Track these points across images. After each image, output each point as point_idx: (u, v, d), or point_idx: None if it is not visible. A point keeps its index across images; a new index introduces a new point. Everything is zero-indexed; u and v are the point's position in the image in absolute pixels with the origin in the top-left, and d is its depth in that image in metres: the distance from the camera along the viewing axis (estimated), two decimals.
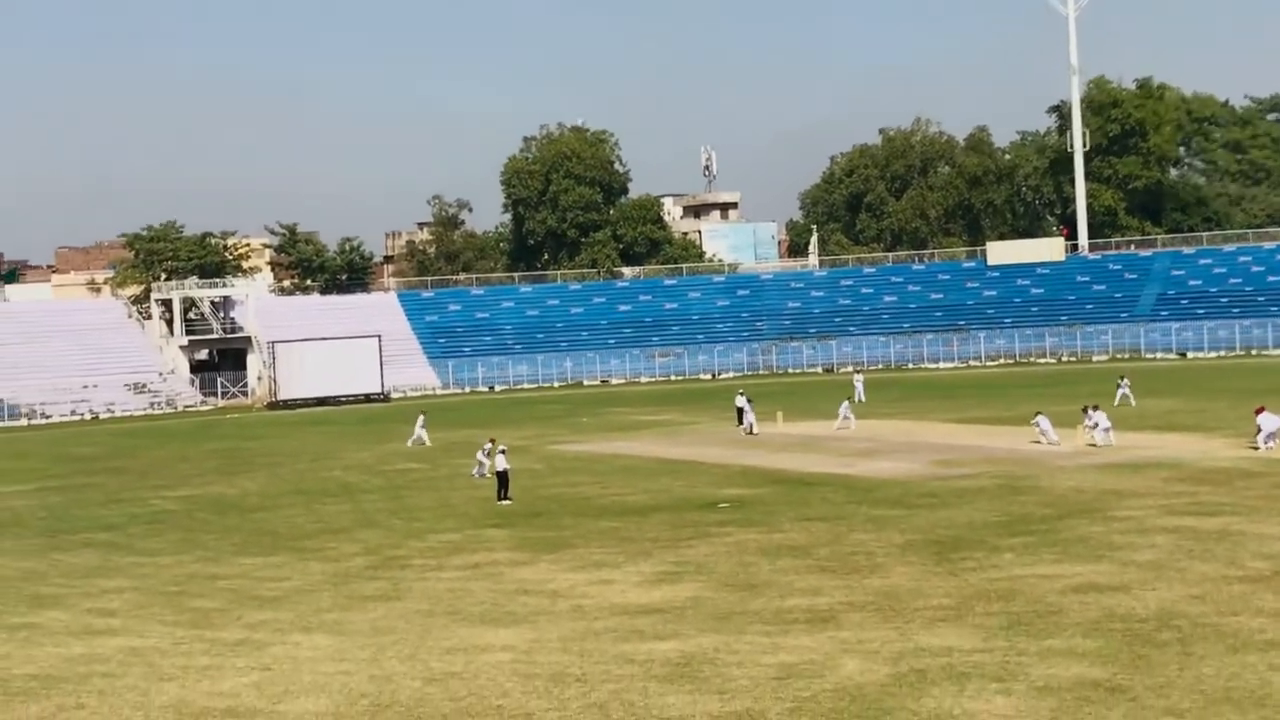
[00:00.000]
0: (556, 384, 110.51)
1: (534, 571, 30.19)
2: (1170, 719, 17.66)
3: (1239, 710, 17.81)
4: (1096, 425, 48.58)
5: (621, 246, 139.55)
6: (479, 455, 48.30)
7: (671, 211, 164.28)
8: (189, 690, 21.28)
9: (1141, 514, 32.97)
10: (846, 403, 60.76)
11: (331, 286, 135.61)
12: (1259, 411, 44.84)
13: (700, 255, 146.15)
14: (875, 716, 18.45)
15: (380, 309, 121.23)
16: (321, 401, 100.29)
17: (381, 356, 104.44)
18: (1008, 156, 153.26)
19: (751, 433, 58.92)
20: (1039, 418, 49.24)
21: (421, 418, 64.03)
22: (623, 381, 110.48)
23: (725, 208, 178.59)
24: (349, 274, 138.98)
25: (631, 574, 29.22)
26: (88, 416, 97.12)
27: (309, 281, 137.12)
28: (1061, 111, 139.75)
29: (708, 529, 34.26)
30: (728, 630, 23.63)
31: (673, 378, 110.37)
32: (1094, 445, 47.91)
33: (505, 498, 41.51)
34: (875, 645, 22.05)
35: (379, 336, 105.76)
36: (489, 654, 23.01)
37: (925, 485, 40.03)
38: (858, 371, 70.27)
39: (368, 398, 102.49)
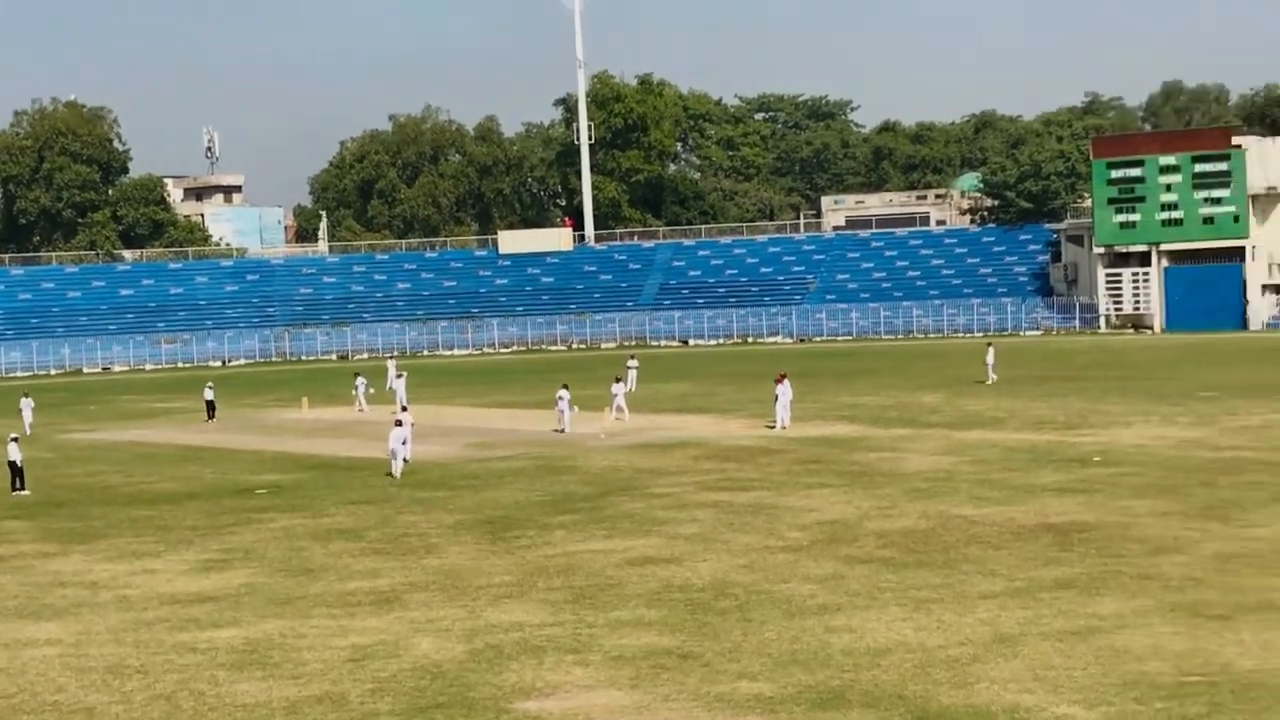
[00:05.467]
0: (54, 371, 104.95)
1: (68, 563, 28.51)
2: (744, 682, 18.32)
3: (806, 670, 18.66)
4: (618, 402, 50.41)
5: (122, 228, 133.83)
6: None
7: (173, 193, 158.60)
8: None
9: (679, 490, 34.13)
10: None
11: None
12: (779, 380, 46.95)
13: (205, 239, 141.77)
14: (459, 693, 18.36)
15: None
16: None
17: None
18: (516, 147, 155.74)
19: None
20: (562, 391, 49.17)
21: (26, 401, 59.12)
22: (126, 369, 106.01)
23: (229, 191, 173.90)
24: None
25: (175, 563, 28.04)
26: None
27: None
28: (568, 104, 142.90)
29: (249, 515, 33.24)
30: (291, 615, 23.01)
31: (180, 365, 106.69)
32: (621, 419, 49.59)
33: (20, 488, 39.05)
34: (446, 624, 21.96)
35: None
36: (33, 648, 21.63)
37: (465, 467, 40.16)
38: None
39: None
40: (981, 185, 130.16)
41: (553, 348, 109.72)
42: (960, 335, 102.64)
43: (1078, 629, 20.05)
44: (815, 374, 67.71)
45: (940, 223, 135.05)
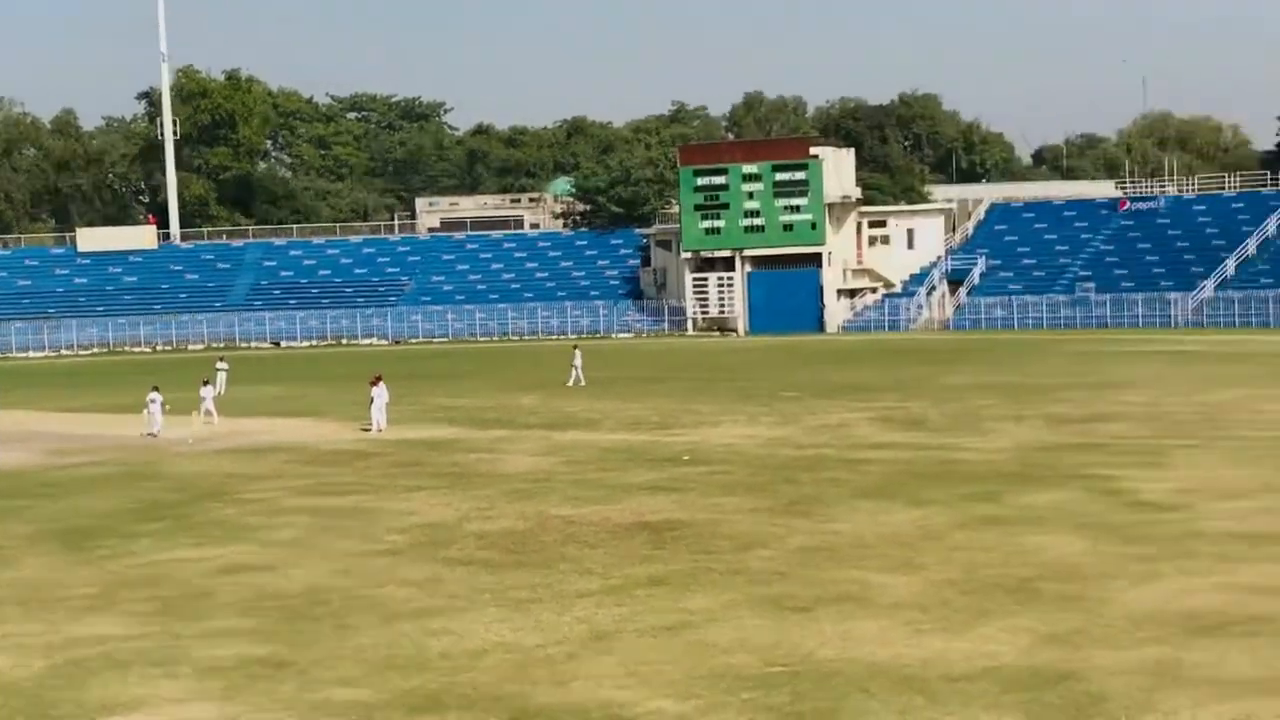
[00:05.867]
0: None
1: None
2: (341, 688, 18.02)
3: (403, 674, 18.49)
4: (206, 406, 48.92)
5: None
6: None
7: None
8: None
9: (273, 495, 33.37)
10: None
11: None
12: (374, 382, 46.38)
13: None
14: (39, 711, 17.45)
15: None
16: None
17: None
18: (95, 142, 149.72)
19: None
20: (153, 394, 47.21)
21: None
22: None
23: None
24: None
25: None
26: None
27: None
28: (151, 99, 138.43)
29: None
30: None
31: None
32: (210, 423, 48.16)
33: None
34: (23, 639, 20.86)
35: None
36: None
37: (43, 475, 38.24)
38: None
39: None
40: (574, 190, 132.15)
41: (137, 349, 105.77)
42: (554, 337, 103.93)
43: (670, 624, 20.52)
44: (412, 376, 67.32)
45: (534, 226, 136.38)
